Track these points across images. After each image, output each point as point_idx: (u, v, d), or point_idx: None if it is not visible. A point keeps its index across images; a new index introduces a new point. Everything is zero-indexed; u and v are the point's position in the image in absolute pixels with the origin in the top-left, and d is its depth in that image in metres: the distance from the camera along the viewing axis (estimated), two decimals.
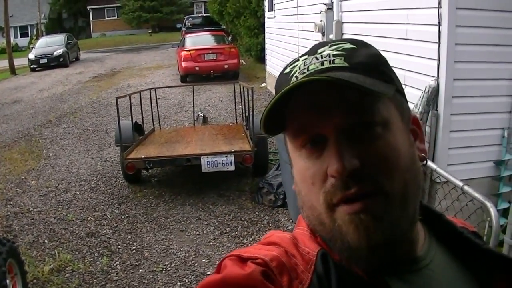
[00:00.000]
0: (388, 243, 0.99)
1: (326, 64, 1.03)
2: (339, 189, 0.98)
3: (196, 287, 1.03)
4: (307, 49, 1.13)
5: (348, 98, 0.98)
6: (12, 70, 31.91)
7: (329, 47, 1.07)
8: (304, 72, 1.03)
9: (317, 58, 1.05)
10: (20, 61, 33.90)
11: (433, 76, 6.19)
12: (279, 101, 1.00)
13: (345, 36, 9.45)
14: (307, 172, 1.04)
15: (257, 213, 8.29)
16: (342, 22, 9.61)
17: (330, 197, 0.99)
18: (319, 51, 1.07)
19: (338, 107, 0.99)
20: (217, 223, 7.95)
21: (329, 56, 1.04)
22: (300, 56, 1.10)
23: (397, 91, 1.08)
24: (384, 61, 1.10)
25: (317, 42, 1.17)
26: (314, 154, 1.03)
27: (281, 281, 1.02)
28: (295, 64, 1.09)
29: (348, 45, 1.07)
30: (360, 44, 1.09)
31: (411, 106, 6.32)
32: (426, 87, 6.15)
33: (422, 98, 6.13)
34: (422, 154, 1.13)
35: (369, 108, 1.00)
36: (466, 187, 4.18)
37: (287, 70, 1.09)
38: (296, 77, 1.04)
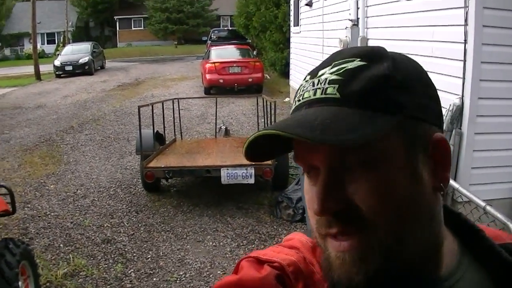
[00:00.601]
0: (378, 280, 0.93)
1: (318, 94, 0.95)
2: (322, 226, 0.96)
3: (214, 286, 1.03)
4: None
5: (346, 136, 0.87)
6: (38, 75, 32.27)
7: (332, 67, 0.96)
8: (300, 100, 0.98)
9: (313, 84, 0.97)
10: (46, 67, 34.32)
11: (458, 94, 6.12)
12: (253, 142, 0.98)
13: None
14: (307, 195, 1.00)
15: (275, 227, 8.22)
16: (368, 38, 9.57)
17: (319, 227, 0.97)
18: (320, 73, 0.98)
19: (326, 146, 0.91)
20: (234, 236, 7.89)
21: (324, 83, 0.95)
22: (308, 74, 1.02)
23: (410, 117, 0.94)
24: (394, 82, 0.94)
25: None
26: (311, 181, 0.98)
27: (295, 287, 1.01)
28: (303, 81, 1.02)
29: (355, 64, 0.95)
30: (374, 60, 0.96)
31: None
32: (450, 105, 6.09)
33: (446, 116, 6.06)
34: (441, 184, 1.00)
35: (368, 145, 0.90)
36: (488, 207, 4.09)
37: (298, 92, 1.02)
38: (295, 102, 1.00)
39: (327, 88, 0.94)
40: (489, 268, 1.06)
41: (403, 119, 0.92)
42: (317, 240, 1.00)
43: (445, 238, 1.03)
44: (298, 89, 1.01)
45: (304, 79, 1.01)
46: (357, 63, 0.94)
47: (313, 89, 0.96)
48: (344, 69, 0.94)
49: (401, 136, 0.93)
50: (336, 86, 0.93)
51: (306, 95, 0.97)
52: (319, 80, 0.96)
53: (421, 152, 0.97)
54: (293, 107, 0.99)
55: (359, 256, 0.92)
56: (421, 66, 1.06)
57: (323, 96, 0.93)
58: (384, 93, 0.92)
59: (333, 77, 0.94)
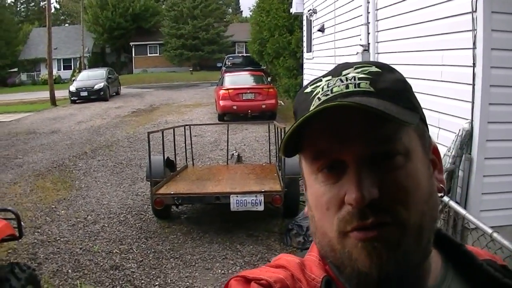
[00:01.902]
0: (399, 274, 0.96)
1: (351, 88, 0.99)
2: (356, 218, 0.95)
3: None
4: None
5: (372, 126, 0.95)
6: (53, 101, 32.56)
7: (354, 69, 1.04)
8: (328, 94, 1.00)
9: (341, 80, 1.02)
10: (61, 93, 34.65)
11: (467, 119, 6.08)
12: (301, 125, 0.96)
13: None
14: (322, 197, 1.00)
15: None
16: None
17: (345, 224, 0.96)
18: (344, 72, 1.04)
19: (361, 135, 0.96)
20: (243, 263, 7.83)
21: (354, 79, 1.01)
22: (323, 76, 1.07)
23: (420, 120, 1.04)
24: (409, 87, 1.06)
25: None
26: (331, 179, 0.99)
27: None
28: (318, 84, 1.05)
29: (374, 69, 1.04)
30: (386, 68, 1.06)
31: (444, 149, 6.23)
32: (459, 130, 6.05)
33: (456, 141, 6.02)
34: (441, 185, 1.09)
35: (392, 137, 0.97)
36: (495, 234, 4.05)
37: (308, 90, 1.06)
38: (319, 98, 1.00)
39: (359, 83, 1.00)
40: (471, 281, 1.11)
41: (419, 119, 1.02)
42: (330, 244, 1.00)
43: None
44: (316, 87, 1.04)
45: (322, 79, 1.06)
46: (375, 68, 1.04)
47: (343, 84, 1.00)
48: (368, 70, 1.03)
49: (417, 135, 1.03)
50: (368, 82, 1.00)
51: (335, 89, 1.00)
52: (346, 78, 1.02)
53: (428, 153, 1.07)
54: (321, 100, 1.00)
55: (388, 244, 0.94)
56: None
57: (358, 89, 0.99)
58: (406, 93, 1.04)
59: (361, 75, 1.01)
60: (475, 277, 1.10)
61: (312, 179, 1.03)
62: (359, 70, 1.03)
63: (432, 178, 1.06)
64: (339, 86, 1.00)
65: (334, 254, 1.01)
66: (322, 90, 1.01)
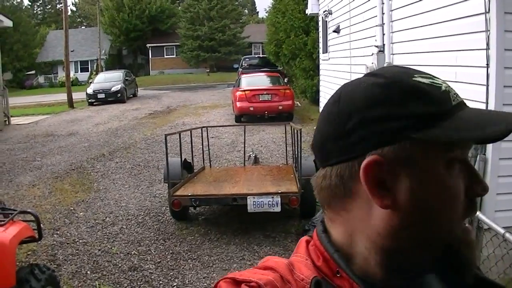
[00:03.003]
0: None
1: (459, 98, 1.05)
2: (472, 209, 1.05)
3: None
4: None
5: None
6: (70, 103, 32.64)
7: (442, 81, 1.08)
8: (459, 99, 1.04)
9: (449, 88, 1.05)
10: (79, 95, 34.70)
11: None
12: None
13: None
14: (457, 187, 1.03)
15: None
16: (393, 65, 9.55)
17: (468, 212, 1.04)
18: (438, 82, 1.06)
19: None
20: None
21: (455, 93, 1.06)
22: (434, 77, 1.07)
23: None
24: None
25: None
26: (459, 173, 1.03)
27: None
28: (442, 84, 1.05)
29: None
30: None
31: None
32: None
33: None
34: None
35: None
36: (507, 234, 4.05)
37: (444, 88, 1.04)
38: (455, 95, 1.05)
39: (456, 94, 1.05)
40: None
41: None
42: (452, 228, 1.03)
43: None
44: (447, 87, 1.05)
45: (438, 79, 1.07)
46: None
47: (455, 93, 1.05)
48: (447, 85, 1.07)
49: None
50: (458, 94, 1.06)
51: (453, 92, 1.05)
52: (447, 87, 1.05)
53: None
54: (454, 102, 1.03)
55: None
56: None
57: (461, 99, 1.05)
58: None
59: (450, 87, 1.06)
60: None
61: (442, 175, 1.01)
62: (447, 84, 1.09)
63: None
64: (456, 93, 1.06)
65: (447, 236, 1.02)
66: (450, 88, 1.05)
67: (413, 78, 1.03)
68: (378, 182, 1.01)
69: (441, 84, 1.03)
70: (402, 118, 0.99)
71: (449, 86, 1.04)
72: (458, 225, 1.02)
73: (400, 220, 1.01)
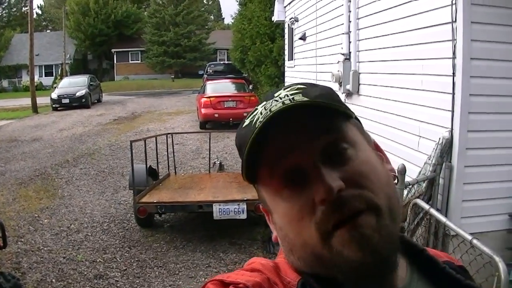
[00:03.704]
0: (389, 254, 1.01)
1: (287, 103, 1.03)
2: (332, 213, 0.98)
3: None
4: None
5: (316, 121, 1.02)
6: (35, 108, 32.42)
7: (284, 90, 1.10)
8: (268, 114, 1.02)
9: (276, 100, 1.06)
10: (43, 100, 34.48)
11: (447, 127, 6.14)
12: (256, 142, 1.02)
13: (362, 86, 9.50)
14: (292, 211, 1.03)
15: None
16: (359, 72, 9.62)
17: (324, 224, 0.99)
18: (276, 95, 1.09)
19: (308, 132, 1.02)
20: (227, 271, 7.74)
21: (287, 96, 1.05)
22: (258, 105, 1.11)
23: (356, 118, 1.14)
24: (335, 93, 1.13)
25: None
26: (296, 190, 1.03)
27: None
28: (254, 113, 1.09)
29: (301, 85, 1.10)
30: (311, 84, 1.12)
31: (424, 157, 6.31)
32: (440, 138, 6.11)
33: (436, 150, 6.08)
34: (393, 173, 1.14)
35: (339, 130, 1.04)
36: (475, 241, 4.11)
37: (246, 122, 1.10)
38: (260, 121, 1.03)
39: (293, 97, 1.05)
40: (435, 283, 1.17)
41: (354, 117, 1.12)
42: (315, 252, 1.02)
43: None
44: (254, 116, 1.08)
45: (257, 107, 1.10)
46: (301, 85, 1.11)
47: (279, 102, 1.04)
48: (296, 87, 1.09)
49: (358, 130, 1.12)
50: (300, 94, 1.05)
51: (273, 108, 1.03)
52: (279, 97, 1.07)
53: (372, 146, 1.15)
54: (262, 121, 1.02)
55: (372, 228, 0.98)
56: None
57: (294, 102, 1.03)
58: (337, 96, 1.12)
59: (292, 92, 1.07)
60: (439, 280, 1.17)
61: (277, 200, 1.07)
62: (289, 89, 1.09)
63: (385, 166, 1.12)
64: (276, 105, 1.03)
65: (321, 262, 1.02)
66: (261, 114, 1.05)
67: (243, 125, 1.11)
68: (271, 219, 1.16)
69: (255, 116, 1.08)
70: (242, 170, 1.10)
71: (259, 115, 1.06)
72: (322, 239, 1.00)
73: (282, 247, 1.13)
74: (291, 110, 1.00)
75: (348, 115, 1.08)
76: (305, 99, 1.03)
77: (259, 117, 1.05)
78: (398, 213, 1.06)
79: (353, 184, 0.99)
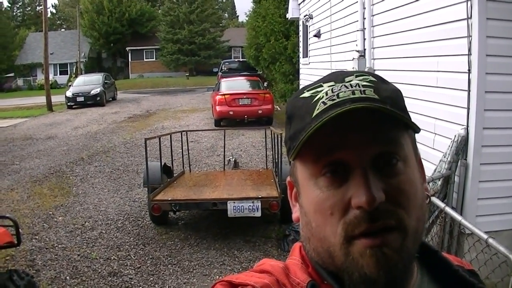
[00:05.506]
0: (402, 277, 1.02)
1: (357, 94, 1.01)
2: (364, 221, 0.96)
3: None
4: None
5: (382, 129, 1.00)
6: (49, 106, 32.51)
7: (356, 77, 1.07)
8: (334, 99, 1.00)
9: (346, 87, 1.03)
10: (58, 98, 34.62)
11: (463, 125, 6.10)
12: (328, 124, 0.97)
13: None
14: (325, 202, 1.01)
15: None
16: (374, 69, 9.57)
17: (352, 228, 0.98)
18: (347, 79, 1.06)
19: (371, 136, 0.99)
20: (241, 269, 7.82)
21: (359, 86, 1.03)
22: (323, 82, 1.08)
23: (413, 131, 1.08)
24: (403, 97, 1.09)
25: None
26: (335, 183, 1.00)
27: None
28: (318, 89, 1.06)
29: (372, 78, 1.07)
30: (382, 79, 1.09)
31: (440, 155, 6.25)
32: (455, 135, 6.06)
33: (451, 147, 6.04)
34: (426, 193, 1.12)
35: (398, 141, 1.02)
36: (490, 240, 4.06)
37: (306, 94, 1.07)
38: (324, 102, 1.01)
39: (364, 90, 1.02)
40: (446, 286, 1.15)
41: (413, 129, 1.06)
42: (330, 250, 1.02)
43: None
44: (317, 92, 1.06)
45: (323, 84, 1.07)
46: (373, 78, 1.08)
47: (349, 90, 1.02)
48: (368, 79, 1.06)
49: (411, 143, 1.08)
50: (372, 90, 1.02)
51: (341, 94, 1.01)
52: (350, 84, 1.04)
53: (418, 162, 1.11)
54: (327, 104, 1.00)
55: (395, 249, 0.97)
56: None
57: (364, 95, 1.00)
58: (403, 103, 1.08)
59: (364, 83, 1.04)
60: (450, 283, 1.14)
61: (311, 184, 1.04)
62: (361, 78, 1.06)
63: (423, 186, 1.09)
64: (345, 92, 1.01)
65: (332, 261, 1.02)
66: (327, 95, 1.02)
67: (301, 95, 1.08)
68: (294, 195, 1.16)
69: (318, 93, 1.05)
70: (287, 140, 1.09)
71: (324, 95, 1.03)
72: (344, 241, 0.99)
73: (302, 232, 1.13)
74: (360, 110, 0.97)
75: (408, 126, 1.04)
76: (376, 96, 1.00)
77: (323, 96, 1.03)
78: (422, 235, 1.05)
79: (392, 200, 0.97)
